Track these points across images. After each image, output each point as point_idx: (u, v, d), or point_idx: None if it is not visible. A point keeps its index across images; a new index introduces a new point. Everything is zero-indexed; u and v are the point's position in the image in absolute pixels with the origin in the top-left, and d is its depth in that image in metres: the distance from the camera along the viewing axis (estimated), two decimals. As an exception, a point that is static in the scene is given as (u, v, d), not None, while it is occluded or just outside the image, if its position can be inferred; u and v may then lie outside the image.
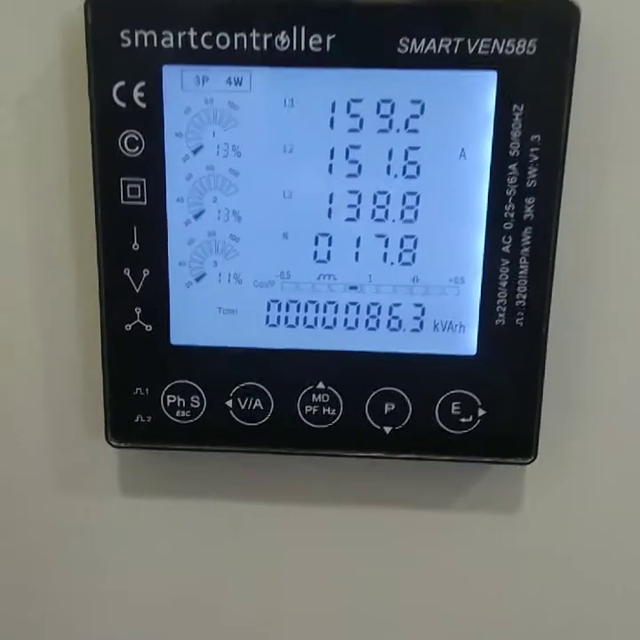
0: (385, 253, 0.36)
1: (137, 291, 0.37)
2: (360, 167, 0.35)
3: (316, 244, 0.37)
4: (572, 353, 0.38)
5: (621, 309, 0.38)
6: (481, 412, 0.37)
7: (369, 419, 0.38)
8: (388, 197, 0.36)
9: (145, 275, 0.37)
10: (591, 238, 0.37)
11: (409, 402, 0.38)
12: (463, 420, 0.38)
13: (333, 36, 0.34)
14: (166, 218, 0.36)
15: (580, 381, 0.39)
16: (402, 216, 0.36)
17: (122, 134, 0.35)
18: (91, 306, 0.38)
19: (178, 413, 0.38)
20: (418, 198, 0.36)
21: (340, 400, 0.38)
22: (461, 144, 0.35)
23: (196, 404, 0.38)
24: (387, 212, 0.36)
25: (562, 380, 0.38)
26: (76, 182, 0.38)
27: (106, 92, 0.35)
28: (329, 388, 0.38)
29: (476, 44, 0.33)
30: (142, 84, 0.35)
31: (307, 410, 0.38)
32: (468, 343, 0.37)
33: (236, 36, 0.34)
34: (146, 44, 0.34)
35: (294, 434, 0.38)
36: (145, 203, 0.36)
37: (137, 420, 0.38)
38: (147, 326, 0.38)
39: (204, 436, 0.39)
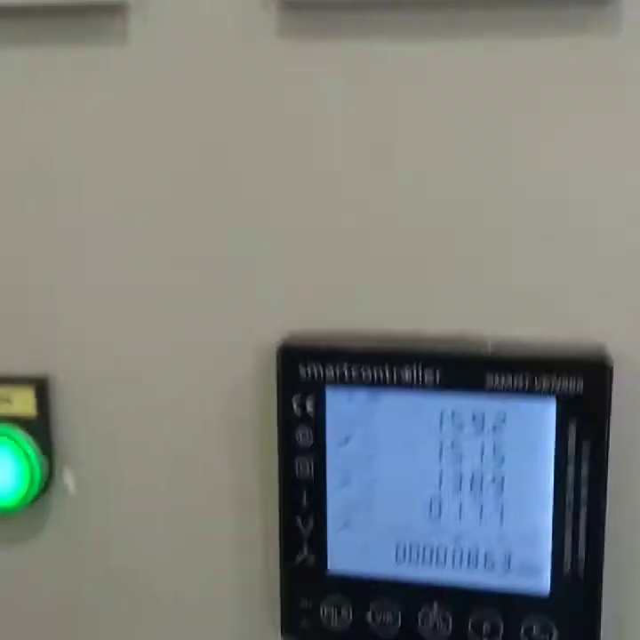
0: (480, 514, 0.51)
1: (305, 533, 0.53)
2: (461, 456, 0.51)
3: (431, 505, 0.52)
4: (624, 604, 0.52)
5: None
6: (555, 635, 0.51)
7: (469, 630, 0.52)
8: (482, 477, 0.51)
9: (310, 522, 0.53)
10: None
11: (500, 622, 0.51)
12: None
13: (440, 370, 0.50)
14: (326, 486, 0.52)
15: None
16: (492, 489, 0.51)
17: (297, 430, 0.52)
18: (273, 544, 0.55)
19: (332, 623, 0.54)
20: (503, 478, 0.50)
21: (450, 619, 0.52)
22: (534, 442, 0.50)
23: (344, 616, 0.53)
24: (481, 486, 0.51)
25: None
26: (266, 459, 0.55)
27: (288, 402, 0.52)
28: (442, 610, 0.52)
29: (542, 382, 0.49)
30: (312, 398, 0.52)
31: (424, 626, 0.52)
32: (544, 584, 0.51)
33: (375, 369, 0.51)
34: (315, 373, 0.51)
35: None
36: (311, 476, 0.52)
37: (302, 625, 0.54)
38: (310, 557, 0.53)
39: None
